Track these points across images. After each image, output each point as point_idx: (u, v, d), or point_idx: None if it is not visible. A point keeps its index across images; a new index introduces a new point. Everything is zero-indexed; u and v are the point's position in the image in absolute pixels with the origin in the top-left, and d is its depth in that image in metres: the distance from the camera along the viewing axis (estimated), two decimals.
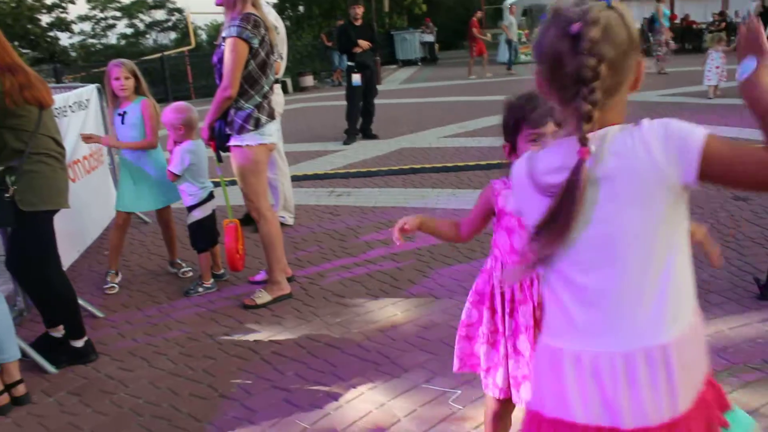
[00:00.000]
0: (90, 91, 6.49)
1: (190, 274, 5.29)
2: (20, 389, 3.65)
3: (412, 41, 30.16)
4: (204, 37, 45.08)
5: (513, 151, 2.25)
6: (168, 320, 4.55)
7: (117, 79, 5.00)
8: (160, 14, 48.68)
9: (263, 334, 4.22)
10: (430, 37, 31.30)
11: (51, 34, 40.39)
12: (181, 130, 4.90)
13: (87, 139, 5.20)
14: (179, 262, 5.42)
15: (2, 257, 4.09)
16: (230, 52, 4.29)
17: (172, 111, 4.94)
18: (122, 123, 5.07)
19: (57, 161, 3.85)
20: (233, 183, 4.93)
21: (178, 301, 4.88)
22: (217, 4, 4.48)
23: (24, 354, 3.89)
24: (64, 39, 42.81)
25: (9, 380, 3.62)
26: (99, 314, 4.70)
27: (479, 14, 22.89)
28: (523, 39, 23.94)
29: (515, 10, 22.13)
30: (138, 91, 5.10)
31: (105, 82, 5.15)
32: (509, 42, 22.27)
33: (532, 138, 2.17)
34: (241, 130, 4.42)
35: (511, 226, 2.29)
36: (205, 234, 5.01)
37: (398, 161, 9.04)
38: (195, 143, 4.92)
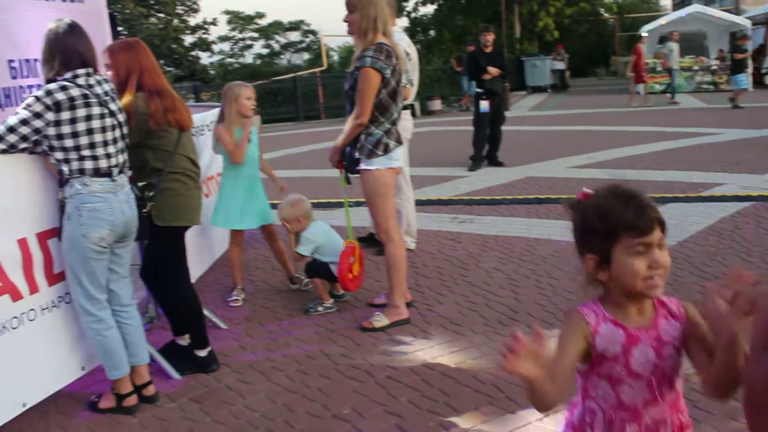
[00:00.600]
0: None
1: (311, 286, 5.40)
2: (150, 389, 3.86)
3: (542, 68, 29.89)
4: (336, 58, 46.34)
5: (604, 264, 1.76)
6: (287, 337, 4.66)
7: (249, 98, 5.23)
8: (294, 36, 50.50)
9: (379, 358, 4.24)
10: (561, 65, 30.91)
11: (193, 53, 42.63)
12: (300, 222, 5.15)
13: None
14: (298, 276, 5.54)
15: (138, 267, 4.32)
16: (363, 82, 4.40)
17: (289, 206, 5.18)
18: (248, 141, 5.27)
19: (192, 180, 4.08)
20: (358, 204, 4.99)
21: (298, 318, 4.99)
22: (349, 33, 4.60)
23: (152, 359, 4.09)
24: (205, 58, 45.12)
25: (140, 381, 3.82)
26: (223, 326, 4.88)
27: (644, 40, 22.19)
28: (659, 68, 23.04)
29: (677, 36, 21.04)
30: None
31: (229, 101, 5.27)
32: (669, 70, 21.30)
33: (640, 249, 1.71)
34: (371, 154, 4.52)
35: (618, 376, 1.79)
36: (320, 273, 5.11)
37: (523, 190, 8.93)
38: (315, 225, 5.17)
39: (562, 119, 17.67)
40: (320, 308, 5.06)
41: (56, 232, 3.58)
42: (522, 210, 7.79)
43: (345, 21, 4.56)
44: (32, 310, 3.52)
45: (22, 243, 3.46)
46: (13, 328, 3.40)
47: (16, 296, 3.43)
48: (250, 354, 4.43)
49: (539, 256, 6.01)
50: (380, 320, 4.68)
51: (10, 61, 6.98)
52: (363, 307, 5.12)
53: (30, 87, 7.21)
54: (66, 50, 3.43)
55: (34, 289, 3.52)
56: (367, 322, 4.70)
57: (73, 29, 3.49)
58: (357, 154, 4.57)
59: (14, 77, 7.06)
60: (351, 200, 5.13)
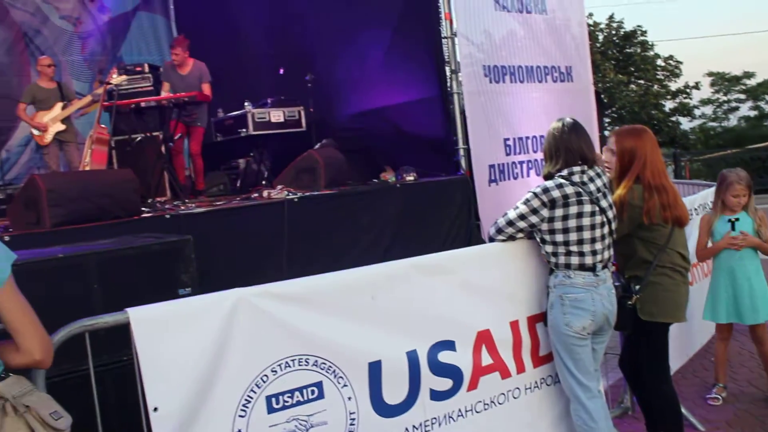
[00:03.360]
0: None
1: None
2: None
3: None
4: None
5: None
6: None
7: (736, 196, 4.91)
8: None
9: None
10: None
11: (673, 118, 41.47)
12: None
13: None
14: None
15: (616, 355, 4.32)
16: None
17: None
18: (732, 229, 4.92)
19: (681, 275, 3.92)
20: None
21: None
22: None
23: None
24: (685, 123, 43.45)
25: None
26: (700, 427, 4.58)
27: None
28: None
29: None
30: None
31: (719, 189, 5.03)
32: None
33: None
34: None
35: None
36: None
37: None
38: None
39: None
40: None
41: (542, 317, 3.77)
42: None
43: None
44: (517, 388, 3.74)
45: (514, 325, 3.72)
46: (500, 404, 3.65)
47: (505, 374, 3.68)
48: None
49: None
50: None
51: (506, 139, 7.68)
52: None
53: (520, 163, 7.82)
54: (569, 149, 3.63)
55: (521, 368, 3.75)
56: None
57: (576, 128, 3.68)
58: None
59: (508, 154, 7.73)
60: None
